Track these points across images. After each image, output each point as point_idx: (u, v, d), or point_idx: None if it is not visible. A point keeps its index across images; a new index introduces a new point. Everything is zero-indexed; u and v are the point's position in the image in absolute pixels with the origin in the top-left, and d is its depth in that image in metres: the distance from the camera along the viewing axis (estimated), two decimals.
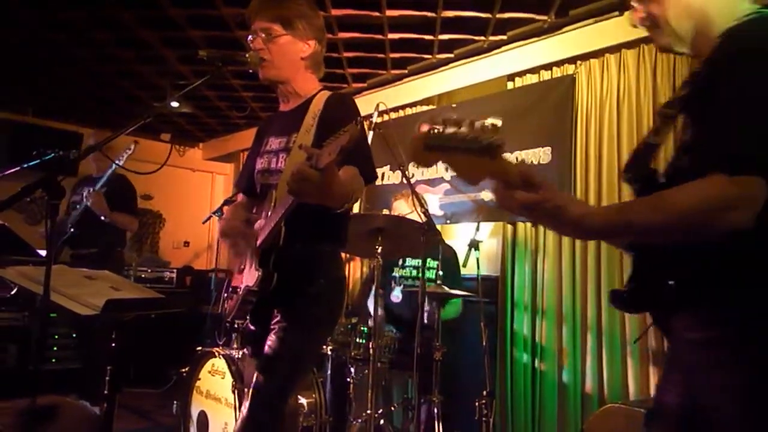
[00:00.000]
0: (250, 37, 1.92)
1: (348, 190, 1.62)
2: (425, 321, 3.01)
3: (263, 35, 1.88)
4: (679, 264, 1.08)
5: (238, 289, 1.88)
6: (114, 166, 3.72)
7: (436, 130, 0.99)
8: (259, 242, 1.80)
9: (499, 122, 0.99)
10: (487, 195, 3.93)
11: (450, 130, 0.99)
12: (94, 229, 3.97)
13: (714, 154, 0.99)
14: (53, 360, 4.69)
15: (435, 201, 4.27)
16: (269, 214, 1.80)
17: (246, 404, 1.77)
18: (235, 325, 1.87)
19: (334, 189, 1.52)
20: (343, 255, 2.11)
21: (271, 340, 1.79)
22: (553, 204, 0.99)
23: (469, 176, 1.02)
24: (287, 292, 1.77)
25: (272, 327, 1.82)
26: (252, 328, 1.87)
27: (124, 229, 4.19)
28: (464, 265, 3.24)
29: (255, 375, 1.78)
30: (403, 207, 3.53)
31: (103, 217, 3.90)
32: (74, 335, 4.67)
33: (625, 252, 1.24)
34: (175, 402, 3.19)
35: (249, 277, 1.81)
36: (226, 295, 2.00)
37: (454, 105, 4.37)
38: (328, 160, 1.39)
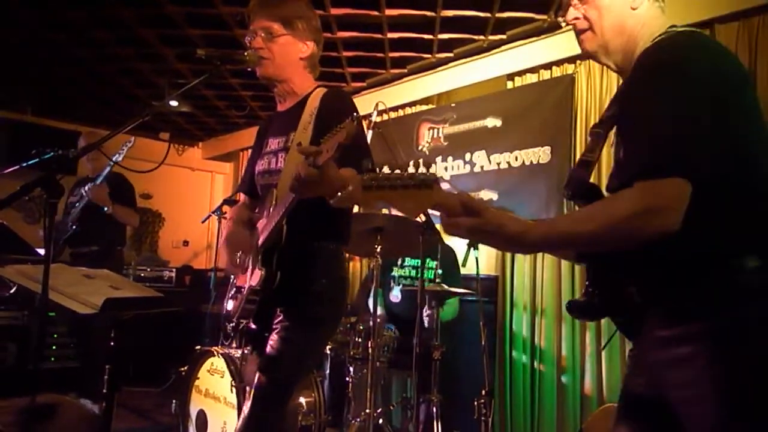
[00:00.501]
0: (248, 37, 1.92)
1: (342, 183, 1.62)
2: (425, 325, 3.01)
3: (263, 34, 1.88)
4: (635, 268, 1.13)
5: (242, 289, 1.88)
6: (112, 162, 3.70)
7: (372, 173, 1.05)
8: (261, 241, 1.80)
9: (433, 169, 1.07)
10: (486, 195, 3.93)
11: (386, 171, 1.05)
12: (95, 226, 3.97)
13: (634, 165, 1.05)
14: (52, 359, 4.70)
15: None
16: (271, 212, 1.80)
17: (247, 404, 1.77)
18: (240, 325, 1.86)
19: (335, 184, 1.54)
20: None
21: (273, 340, 1.79)
22: (493, 225, 1.06)
23: (410, 209, 1.08)
24: (290, 291, 1.77)
25: (274, 326, 1.82)
26: (253, 326, 1.87)
27: (125, 223, 4.17)
28: (464, 265, 3.23)
29: (257, 374, 1.78)
30: None
31: (105, 209, 3.88)
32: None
33: (577, 263, 1.29)
34: (174, 401, 3.18)
35: (252, 276, 1.81)
36: (230, 295, 2.00)
37: (453, 104, 4.37)
38: (326, 157, 1.40)
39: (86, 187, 3.91)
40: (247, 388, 2.21)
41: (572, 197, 1.29)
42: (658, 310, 1.12)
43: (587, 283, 1.21)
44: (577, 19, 1.28)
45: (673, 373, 1.07)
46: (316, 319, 1.84)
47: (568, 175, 1.31)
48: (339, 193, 1.61)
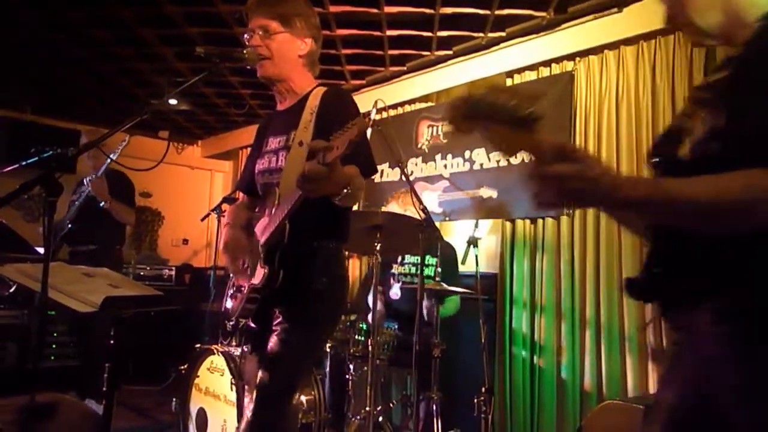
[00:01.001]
0: (246, 35, 1.92)
1: (346, 181, 1.63)
2: (425, 318, 3.01)
3: (261, 32, 1.87)
4: (705, 254, 1.03)
5: (242, 288, 1.88)
6: (110, 159, 3.69)
7: (476, 97, 0.97)
8: (263, 240, 1.80)
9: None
10: (485, 192, 3.93)
11: (491, 98, 0.96)
12: (92, 223, 3.96)
13: (760, 146, 0.94)
14: (52, 357, 4.70)
15: (434, 198, 4.27)
16: (273, 211, 1.80)
17: (250, 405, 1.77)
18: (239, 324, 1.86)
19: (341, 181, 1.56)
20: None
21: (273, 339, 1.79)
22: (594, 173, 0.93)
23: (504, 148, 1.00)
24: (290, 290, 1.77)
25: (275, 325, 1.82)
26: (253, 325, 1.87)
27: (121, 221, 4.15)
28: (463, 262, 3.24)
29: (258, 374, 1.78)
30: (395, 209, 3.50)
31: (102, 204, 3.86)
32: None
33: (642, 236, 1.20)
34: (174, 399, 3.19)
35: (254, 275, 1.81)
36: (230, 293, 2.00)
37: None
38: (337, 154, 1.40)
39: (87, 179, 3.91)
40: (246, 387, 2.21)
41: (657, 166, 1.16)
42: (716, 304, 1.03)
43: (647, 260, 1.12)
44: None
45: (727, 373, 1.01)
46: (316, 318, 1.84)
47: (659, 139, 1.19)
48: (344, 191, 1.61)
